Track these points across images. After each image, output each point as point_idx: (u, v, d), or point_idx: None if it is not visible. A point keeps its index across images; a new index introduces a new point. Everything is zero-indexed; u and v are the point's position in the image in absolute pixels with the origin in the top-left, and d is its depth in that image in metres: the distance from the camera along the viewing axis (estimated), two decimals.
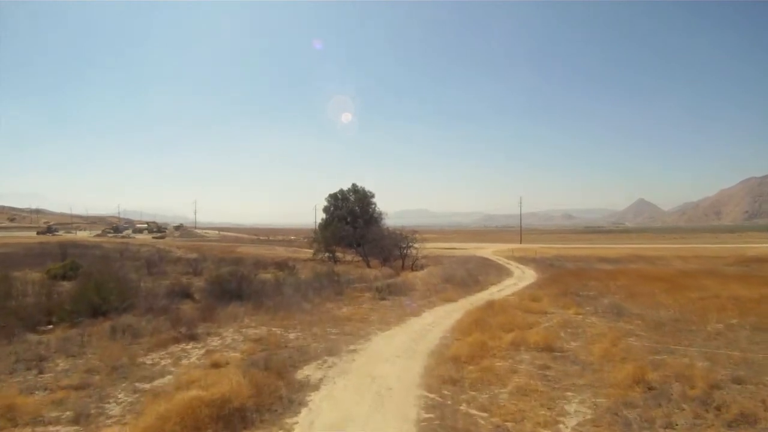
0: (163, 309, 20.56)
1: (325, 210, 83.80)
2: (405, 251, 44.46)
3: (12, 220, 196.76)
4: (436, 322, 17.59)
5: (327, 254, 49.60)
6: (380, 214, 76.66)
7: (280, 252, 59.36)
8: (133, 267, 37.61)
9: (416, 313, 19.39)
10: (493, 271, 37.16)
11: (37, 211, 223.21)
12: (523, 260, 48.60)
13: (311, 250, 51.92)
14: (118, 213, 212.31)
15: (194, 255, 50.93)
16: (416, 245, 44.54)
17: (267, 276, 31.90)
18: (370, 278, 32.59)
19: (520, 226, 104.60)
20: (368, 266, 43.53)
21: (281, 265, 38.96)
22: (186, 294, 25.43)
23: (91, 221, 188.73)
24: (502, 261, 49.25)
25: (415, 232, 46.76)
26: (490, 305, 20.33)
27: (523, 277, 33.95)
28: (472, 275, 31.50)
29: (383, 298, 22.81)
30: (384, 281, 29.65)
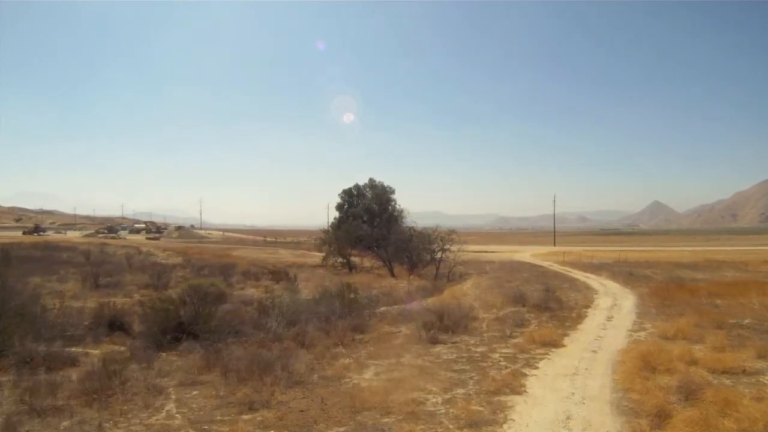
0: (49, 360, 11.70)
1: (338, 208, 73.84)
2: (440, 256, 34.97)
3: (18, 220, 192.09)
4: (571, 414, 8.14)
5: (340, 259, 40.18)
6: (401, 212, 67.14)
7: (284, 256, 50.18)
8: (80, 275, 28.83)
9: (514, 384, 9.85)
10: (566, 284, 27.57)
11: (47, 212, 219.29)
12: (583, 267, 38.90)
13: (320, 254, 42.41)
14: (122, 214, 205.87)
15: (178, 260, 41.93)
16: (453, 248, 35.01)
17: (253, 293, 22.66)
18: (400, 295, 23.22)
19: (554, 228, 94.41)
20: (392, 275, 34.20)
21: (279, 273, 29.63)
22: (119, 324, 16.41)
23: (98, 222, 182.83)
24: (557, 267, 39.61)
25: (452, 231, 37.14)
26: (644, 359, 10.94)
27: (613, 292, 24.36)
28: (550, 291, 21.88)
29: (435, 340, 13.29)
30: (423, 302, 20.33)
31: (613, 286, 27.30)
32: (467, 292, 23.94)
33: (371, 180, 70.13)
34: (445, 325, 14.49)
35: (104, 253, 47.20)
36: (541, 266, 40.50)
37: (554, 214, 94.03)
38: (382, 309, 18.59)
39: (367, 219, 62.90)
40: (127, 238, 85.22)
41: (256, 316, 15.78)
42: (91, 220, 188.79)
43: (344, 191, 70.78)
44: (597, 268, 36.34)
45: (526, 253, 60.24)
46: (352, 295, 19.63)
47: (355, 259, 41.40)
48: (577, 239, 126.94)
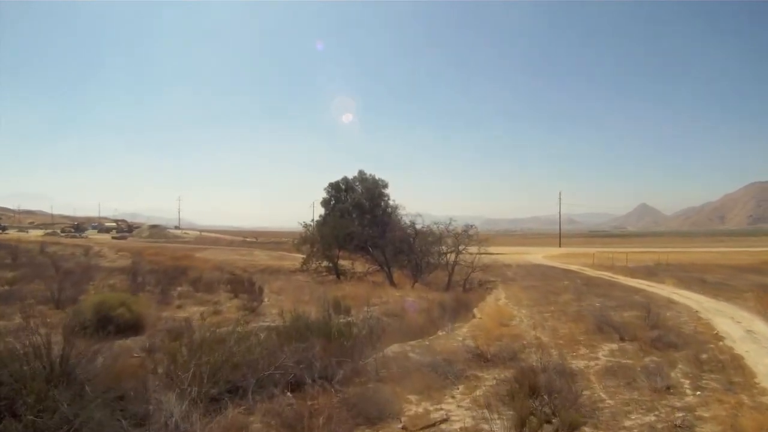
0: None
1: (324, 203, 65.79)
2: (454, 259, 27.54)
3: None
4: None
5: (325, 263, 32.27)
6: (395, 208, 59.76)
7: (258, 258, 42.35)
8: None
9: None
10: (636, 297, 20.17)
11: (28, 212, 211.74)
12: (627, 272, 31.78)
13: (301, 255, 34.27)
14: (99, 213, 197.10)
15: (126, 262, 34.20)
16: (472, 249, 27.62)
17: (191, 315, 15.01)
18: (413, 317, 15.73)
19: (560, 228, 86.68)
20: (392, 283, 26.68)
21: (240, 283, 21.96)
22: None
23: (79, 222, 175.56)
24: (593, 272, 32.38)
25: (470, 227, 29.69)
26: None
27: (717, 309, 17.16)
28: (650, 313, 14.42)
29: None
30: (454, 332, 13.05)
31: (700, 299, 20.01)
32: (510, 311, 16.50)
33: (361, 173, 62.29)
34: (537, 396, 6.97)
35: (44, 253, 39.25)
36: (572, 271, 33.21)
37: (560, 214, 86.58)
38: (394, 348, 11.10)
39: (357, 215, 55.35)
40: (90, 237, 76.80)
41: (155, 374, 8.17)
42: (72, 219, 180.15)
43: (331, 185, 62.78)
44: (649, 274, 29.15)
45: (537, 255, 52.92)
46: (342, 318, 12.23)
47: (343, 263, 33.54)
48: (578, 241, 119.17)
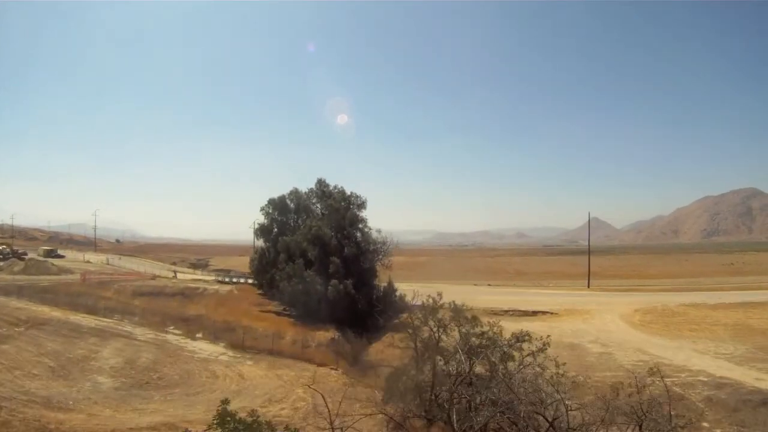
0: None
1: (262, 231, 41.39)
2: None
3: None
4: None
5: None
6: (382, 244, 36.85)
7: (101, 364, 19.99)
8: None
9: None
10: None
11: None
12: None
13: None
14: (12, 222, 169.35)
15: None
16: None
17: None
18: None
19: (589, 258, 61.41)
20: None
21: None
22: None
23: (9, 235, 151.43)
24: None
25: None
26: None
27: None
28: None
29: None
30: None
31: None
32: None
33: (321, 183, 40.95)
34: None
35: None
36: None
37: (589, 237, 65.24)
38: None
39: (318, 255, 32.90)
40: None
41: None
42: (7, 231, 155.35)
43: (271, 203, 40.86)
44: None
45: (610, 316, 32.75)
46: None
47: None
48: (576, 269, 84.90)
